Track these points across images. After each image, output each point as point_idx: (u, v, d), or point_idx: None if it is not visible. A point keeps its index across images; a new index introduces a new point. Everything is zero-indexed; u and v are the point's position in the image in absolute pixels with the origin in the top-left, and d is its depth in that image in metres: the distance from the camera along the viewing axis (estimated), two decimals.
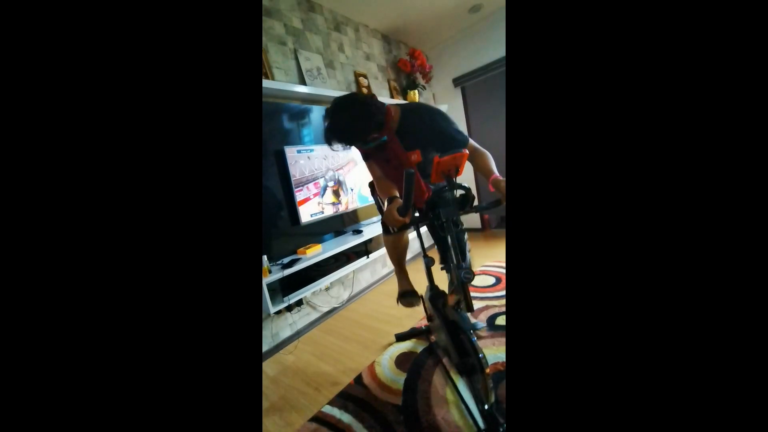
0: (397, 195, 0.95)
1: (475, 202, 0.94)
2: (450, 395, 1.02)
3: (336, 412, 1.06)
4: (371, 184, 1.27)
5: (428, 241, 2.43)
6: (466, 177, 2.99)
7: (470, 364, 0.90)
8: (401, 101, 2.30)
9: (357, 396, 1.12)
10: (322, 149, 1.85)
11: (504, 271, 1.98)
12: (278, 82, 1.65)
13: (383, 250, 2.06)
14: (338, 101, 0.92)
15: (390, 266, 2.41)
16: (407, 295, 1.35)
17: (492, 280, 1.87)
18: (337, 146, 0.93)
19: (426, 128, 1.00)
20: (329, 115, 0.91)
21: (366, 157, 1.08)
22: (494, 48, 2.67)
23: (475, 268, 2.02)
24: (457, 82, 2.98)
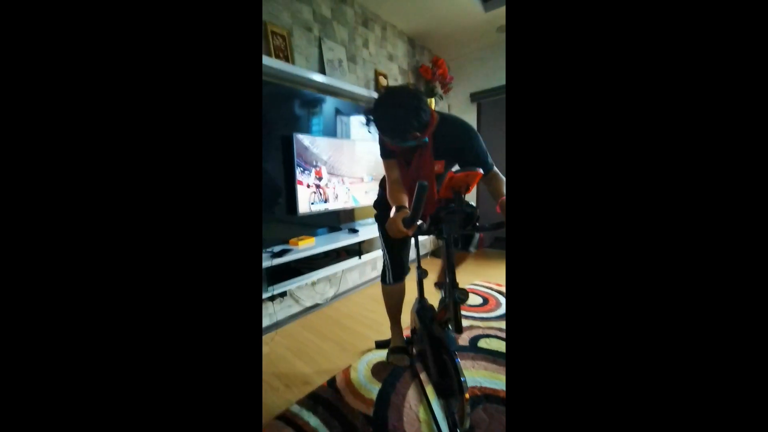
0: (406, 205, 0.92)
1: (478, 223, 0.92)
2: (423, 413, 1.00)
3: (304, 413, 1.03)
4: (382, 185, 1.22)
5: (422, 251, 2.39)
6: (469, 196, 2.99)
7: (449, 385, 0.88)
8: None
9: (328, 399, 1.09)
10: (331, 141, 1.82)
11: (491, 292, 1.96)
12: (297, 68, 1.61)
13: (376, 253, 2.04)
14: (391, 91, 0.89)
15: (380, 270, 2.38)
16: (397, 352, 1.29)
17: (479, 300, 1.85)
18: (385, 137, 0.90)
19: (457, 141, 0.98)
20: (379, 104, 0.87)
21: (388, 155, 1.03)
22: None
23: (464, 286, 2.01)
24: (474, 97, 2.97)
